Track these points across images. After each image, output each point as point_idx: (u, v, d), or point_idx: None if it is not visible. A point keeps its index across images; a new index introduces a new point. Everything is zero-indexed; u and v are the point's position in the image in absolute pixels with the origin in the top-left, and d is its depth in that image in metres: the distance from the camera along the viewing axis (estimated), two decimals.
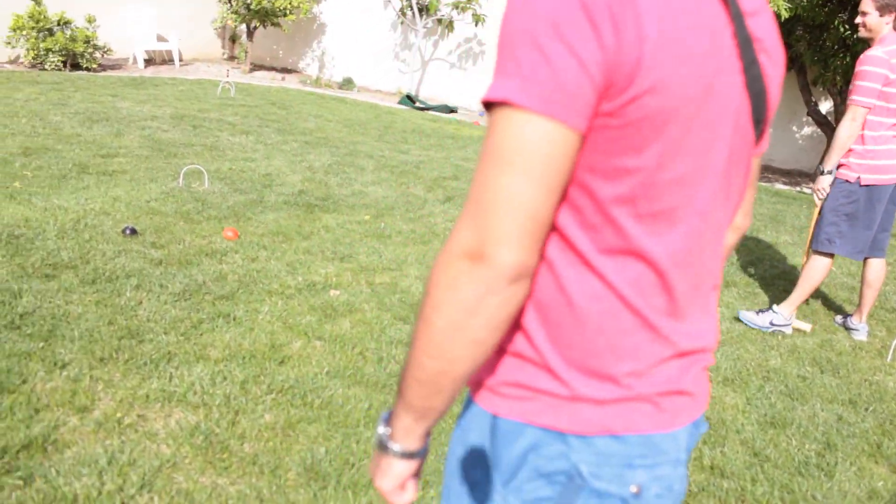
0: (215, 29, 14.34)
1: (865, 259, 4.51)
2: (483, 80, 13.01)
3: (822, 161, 4.41)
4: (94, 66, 11.83)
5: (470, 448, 1.13)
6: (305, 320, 3.85)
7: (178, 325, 3.60)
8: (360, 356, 3.56)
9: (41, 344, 3.23)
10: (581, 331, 1.02)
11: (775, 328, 4.49)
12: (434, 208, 6.23)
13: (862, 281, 4.57)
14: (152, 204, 5.30)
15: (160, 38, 13.38)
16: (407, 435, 1.06)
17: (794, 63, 10.04)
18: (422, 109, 12.19)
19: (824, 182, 4.32)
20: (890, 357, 4.40)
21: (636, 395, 1.04)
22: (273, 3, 12.52)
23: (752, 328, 4.51)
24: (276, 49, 14.70)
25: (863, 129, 4.16)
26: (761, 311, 4.56)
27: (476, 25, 12.41)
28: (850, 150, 4.21)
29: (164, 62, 13.59)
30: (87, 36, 11.68)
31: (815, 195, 4.41)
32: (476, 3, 12.35)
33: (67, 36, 11.49)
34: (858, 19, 4.22)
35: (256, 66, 14.32)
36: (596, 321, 1.01)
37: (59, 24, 11.59)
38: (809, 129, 11.16)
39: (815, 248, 4.43)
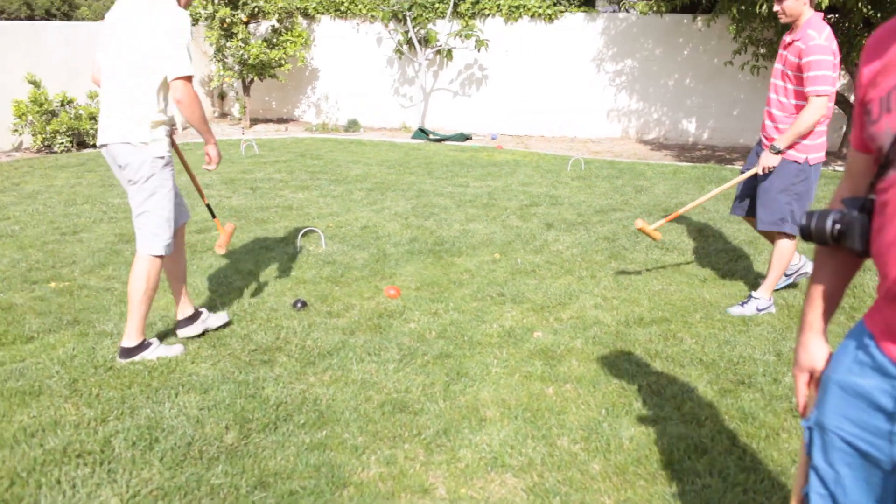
0: (211, 88, 14.15)
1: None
2: (488, 103, 13.08)
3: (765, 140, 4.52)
4: None
5: None
6: (537, 367, 3.79)
7: (429, 389, 3.52)
8: (623, 391, 3.52)
9: (322, 433, 3.13)
10: None
11: (763, 312, 4.57)
12: (546, 237, 6.21)
13: (774, 255, 4.63)
14: (294, 273, 5.19)
15: None
16: None
17: None
18: (438, 140, 12.18)
19: (774, 161, 4.41)
20: None
21: None
22: (269, 55, 12.42)
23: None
24: (269, 101, 14.57)
25: None
26: (743, 303, 4.63)
27: (479, 51, 12.47)
28: None
29: None
30: (91, 113, 11.42)
31: (759, 168, 4.49)
32: (478, 29, 12.43)
33: (72, 115, 11.23)
34: (776, 7, 4.30)
35: (253, 121, 14.17)
36: None
37: (62, 105, 11.33)
38: None
39: (775, 230, 4.52)
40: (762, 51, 10.38)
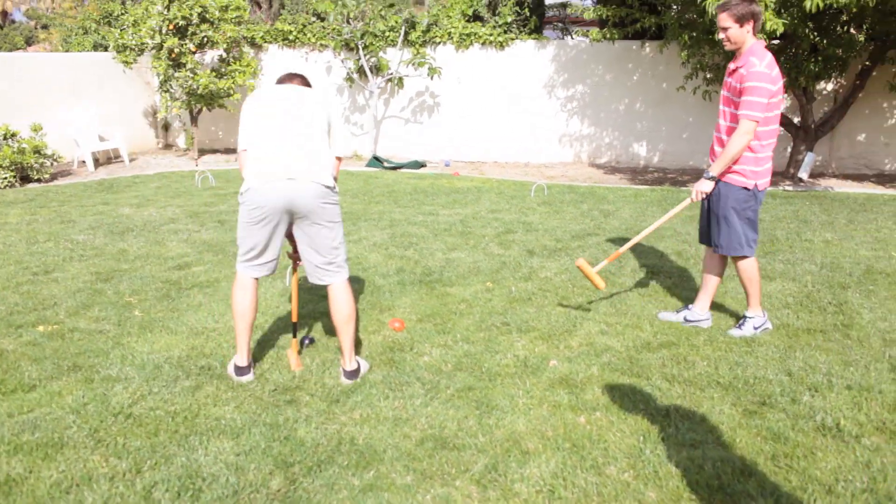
0: (159, 118, 13.87)
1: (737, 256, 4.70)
2: (441, 130, 13.15)
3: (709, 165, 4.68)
4: (46, 176, 11.18)
5: None
6: (563, 396, 3.80)
7: (464, 424, 3.49)
8: (653, 416, 3.55)
9: (369, 474, 3.08)
10: None
11: (760, 329, 4.72)
12: (532, 264, 6.26)
13: (743, 278, 4.75)
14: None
15: (101, 138, 12.85)
16: None
17: None
18: (393, 168, 12.17)
19: (708, 186, 4.57)
20: None
21: None
22: (217, 85, 12.24)
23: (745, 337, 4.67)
24: (216, 131, 14.36)
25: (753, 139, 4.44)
26: (740, 325, 4.75)
27: (431, 79, 12.55)
28: (740, 159, 4.48)
29: (108, 161, 13.02)
30: (36, 146, 11.06)
31: (694, 194, 4.62)
32: (430, 57, 12.51)
33: (14, 149, 10.84)
34: (720, 35, 4.49)
35: (201, 151, 13.93)
36: None
37: (3, 138, 10.94)
38: None
39: (732, 255, 4.66)
40: (709, 75, 10.72)
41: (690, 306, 4.98)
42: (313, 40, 13.23)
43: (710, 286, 4.92)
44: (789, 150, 11.39)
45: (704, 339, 4.60)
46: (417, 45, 12.77)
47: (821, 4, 7.90)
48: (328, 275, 3.94)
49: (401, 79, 12.80)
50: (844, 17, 9.53)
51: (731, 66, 4.52)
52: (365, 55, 12.65)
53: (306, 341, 4.47)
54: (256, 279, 3.92)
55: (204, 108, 12.86)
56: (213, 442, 3.31)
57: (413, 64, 12.51)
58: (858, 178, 11.35)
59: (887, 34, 9.83)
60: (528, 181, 10.79)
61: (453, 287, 5.62)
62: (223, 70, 12.70)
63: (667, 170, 12.27)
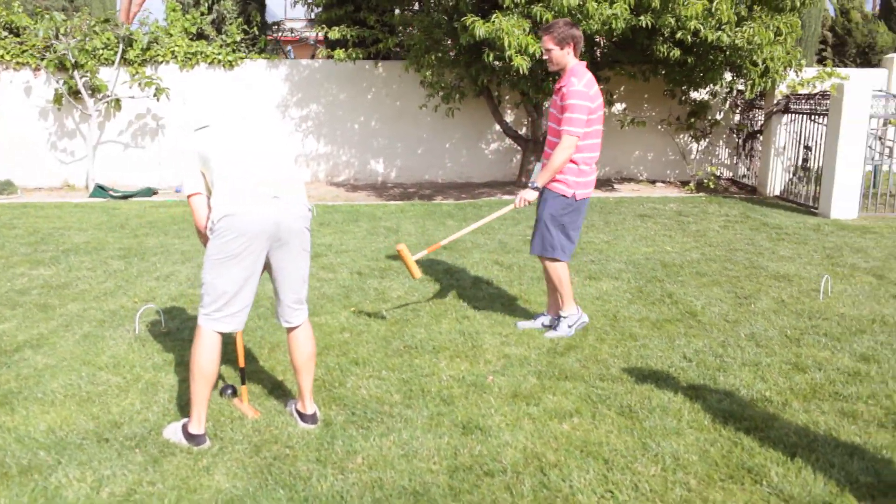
0: None
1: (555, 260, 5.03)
2: (164, 155, 12.28)
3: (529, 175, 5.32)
4: None
5: None
6: (529, 409, 3.90)
7: (469, 450, 3.44)
8: (623, 410, 3.79)
9: None
10: None
11: (575, 326, 5.06)
12: (374, 285, 6.21)
13: (551, 279, 5.08)
14: (174, 358, 4.54)
15: None
16: None
17: (485, 90, 11.56)
18: (123, 198, 11.13)
19: (532, 196, 4.90)
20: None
21: None
22: None
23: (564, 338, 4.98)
24: None
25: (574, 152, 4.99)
26: (555, 326, 5.08)
27: (158, 100, 11.68)
28: (564, 170, 4.82)
29: None
30: None
31: (518, 201, 4.94)
32: (157, 77, 11.63)
33: None
34: (545, 56, 4.88)
35: None
36: None
37: None
38: (496, 145, 12.84)
39: (545, 256, 4.98)
40: (442, 94, 11.34)
41: (546, 312, 5.29)
42: (8, 58, 11.61)
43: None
44: (516, 160, 12.44)
45: (595, 338, 4.96)
46: (136, 64, 11.81)
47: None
48: (297, 313, 3.64)
49: (117, 100, 11.74)
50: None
51: (557, 85, 4.93)
52: (79, 74, 11.39)
53: (228, 391, 4.04)
54: (221, 334, 3.48)
55: None
56: None
57: (139, 84, 11.53)
58: None
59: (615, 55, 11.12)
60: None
61: (320, 317, 5.39)
62: None
63: (405, 184, 12.72)
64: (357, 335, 5.02)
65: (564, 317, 5.04)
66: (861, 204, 9.70)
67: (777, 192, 11.35)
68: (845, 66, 13.56)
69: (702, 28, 8.94)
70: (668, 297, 5.90)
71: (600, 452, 3.43)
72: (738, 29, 9.34)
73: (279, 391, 4.11)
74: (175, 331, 5.07)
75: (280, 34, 14.31)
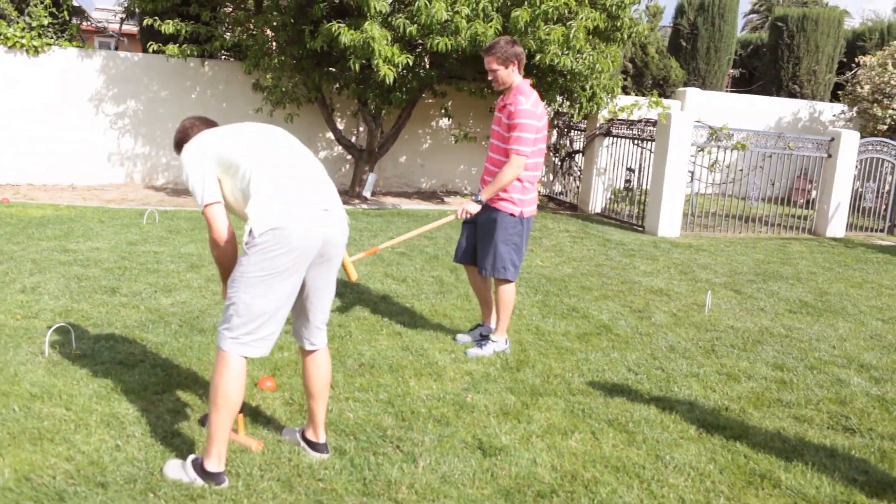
0: None
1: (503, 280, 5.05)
2: None
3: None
4: None
5: None
6: (529, 427, 3.91)
7: (497, 471, 3.39)
8: (621, 418, 3.92)
9: None
10: None
11: (500, 351, 5.06)
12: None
13: (500, 300, 5.09)
14: (133, 379, 4.00)
15: None
16: None
17: (320, 98, 11.32)
18: None
19: (475, 208, 4.94)
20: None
21: None
22: None
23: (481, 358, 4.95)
24: None
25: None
26: (481, 344, 5.07)
27: None
28: (509, 188, 4.88)
29: None
30: None
31: (459, 211, 4.98)
32: None
33: None
34: (490, 76, 4.88)
35: None
36: None
37: None
38: (325, 153, 12.58)
39: (496, 277, 5.01)
40: (273, 99, 10.96)
41: (484, 323, 5.33)
42: None
43: (487, 298, 5.31)
44: (345, 169, 12.29)
45: (536, 352, 5.06)
46: None
47: (446, 47, 8.88)
48: (321, 334, 3.37)
49: None
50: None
51: (500, 101, 5.02)
52: None
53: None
54: (246, 359, 3.13)
55: None
56: None
57: None
58: (406, 195, 12.83)
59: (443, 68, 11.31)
60: (113, 207, 9.64)
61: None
62: None
63: None
64: (298, 352, 4.72)
65: (495, 341, 5.04)
66: (682, 223, 10.70)
67: (598, 210, 12.18)
68: (643, 95, 14.84)
69: (559, 53, 9.39)
70: (573, 310, 6.14)
71: (625, 467, 3.51)
72: (579, 55, 9.93)
73: (262, 418, 3.78)
74: (90, 353, 4.47)
75: (86, 23, 13.04)
